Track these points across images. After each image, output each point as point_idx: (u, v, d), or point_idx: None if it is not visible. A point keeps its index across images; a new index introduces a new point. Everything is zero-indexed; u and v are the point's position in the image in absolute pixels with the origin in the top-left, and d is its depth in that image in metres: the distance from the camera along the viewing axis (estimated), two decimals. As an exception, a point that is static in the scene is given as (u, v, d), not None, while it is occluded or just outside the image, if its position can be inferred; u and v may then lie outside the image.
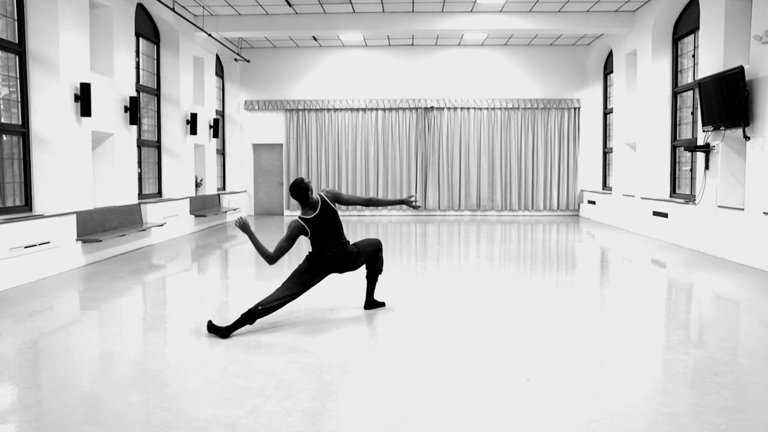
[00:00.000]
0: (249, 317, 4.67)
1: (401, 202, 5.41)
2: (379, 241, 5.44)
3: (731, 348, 4.44)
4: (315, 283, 5.05)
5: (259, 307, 4.71)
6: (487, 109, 15.50)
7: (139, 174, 10.95)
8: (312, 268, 4.97)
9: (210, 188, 13.71)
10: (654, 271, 8.07)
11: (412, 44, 15.30)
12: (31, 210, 7.86)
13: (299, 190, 4.88)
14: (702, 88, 8.86)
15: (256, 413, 3.18)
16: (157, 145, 11.75)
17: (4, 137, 7.59)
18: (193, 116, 12.31)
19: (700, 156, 9.38)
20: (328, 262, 4.99)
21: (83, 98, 8.26)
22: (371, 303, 5.46)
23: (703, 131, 9.20)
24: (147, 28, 11.24)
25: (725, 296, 6.50)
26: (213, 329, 4.67)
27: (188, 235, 11.57)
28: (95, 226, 8.54)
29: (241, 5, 11.76)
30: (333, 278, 7.17)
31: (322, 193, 5.04)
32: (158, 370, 3.89)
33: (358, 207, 15.61)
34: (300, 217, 4.96)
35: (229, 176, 15.81)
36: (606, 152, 14.99)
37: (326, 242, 4.99)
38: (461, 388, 3.59)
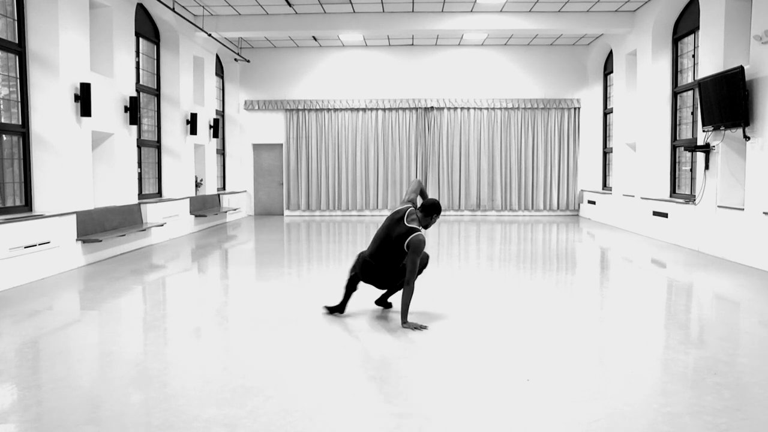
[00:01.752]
0: (353, 282, 5.15)
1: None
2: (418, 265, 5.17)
3: (731, 348, 4.44)
4: (354, 273, 5.19)
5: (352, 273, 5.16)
6: (487, 109, 15.50)
7: (139, 174, 10.95)
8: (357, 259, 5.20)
9: (210, 188, 13.71)
10: (654, 271, 8.07)
11: (412, 44, 15.30)
12: (31, 210, 7.86)
13: (436, 204, 5.08)
14: (702, 88, 8.86)
15: (256, 413, 3.18)
16: (157, 145, 11.75)
17: (4, 137, 7.59)
18: (193, 116, 12.31)
19: (700, 156, 9.38)
20: (358, 260, 5.16)
21: (83, 98, 8.25)
22: (383, 301, 5.45)
23: (703, 131, 9.20)
24: (147, 28, 11.24)
25: (725, 296, 6.50)
26: (331, 309, 5.20)
27: (188, 235, 11.57)
28: (95, 226, 8.54)
29: (241, 5, 11.76)
30: (332, 279, 7.18)
31: (420, 233, 4.82)
32: (158, 370, 3.89)
33: (358, 207, 15.63)
34: (408, 213, 5.03)
35: (229, 176, 15.81)
36: (606, 152, 15.00)
37: (370, 245, 5.14)
38: (461, 387, 3.58)
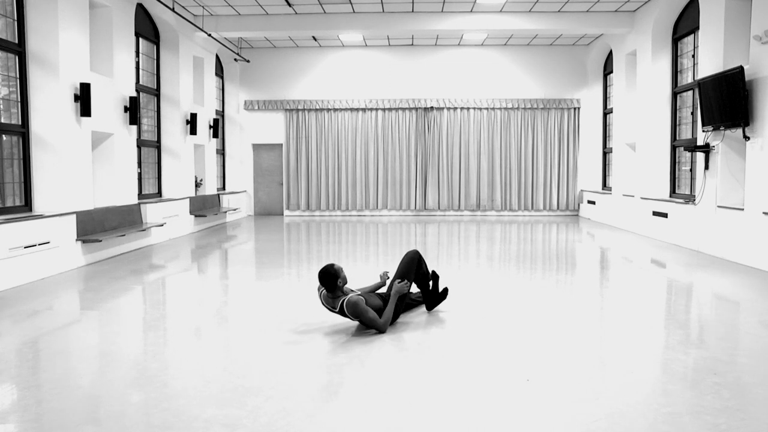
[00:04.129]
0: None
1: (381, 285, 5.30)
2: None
3: (731, 348, 4.44)
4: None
5: None
6: (487, 109, 15.50)
7: (139, 174, 10.95)
8: None
9: (210, 188, 13.71)
10: (654, 271, 8.07)
11: (412, 44, 15.30)
12: (31, 210, 7.86)
13: (327, 277, 4.63)
14: (702, 88, 8.86)
15: (256, 413, 3.18)
16: (157, 145, 11.75)
17: (4, 137, 7.59)
18: (193, 116, 12.31)
19: (700, 156, 9.38)
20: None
21: (83, 98, 8.26)
22: (433, 298, 5.51)
23: (703, 131, 9.20)
24: (147, 28, 11.24)
25: (725, 296, 6.50)
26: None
27: (188, 235, 11.57)
28: (95, 226, 8.54)
29: (241, 5, 11.76)
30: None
31: (346, 300, 4.62)
32: (158, 370, 3.89)
33: (358, 207, 15.64)
34: (324, 298, 4.79)
35: (229, 176, 15.81)
36: (606, 152, 15.00)
37: None
38: (461, 387, 3.59)
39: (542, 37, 14.40)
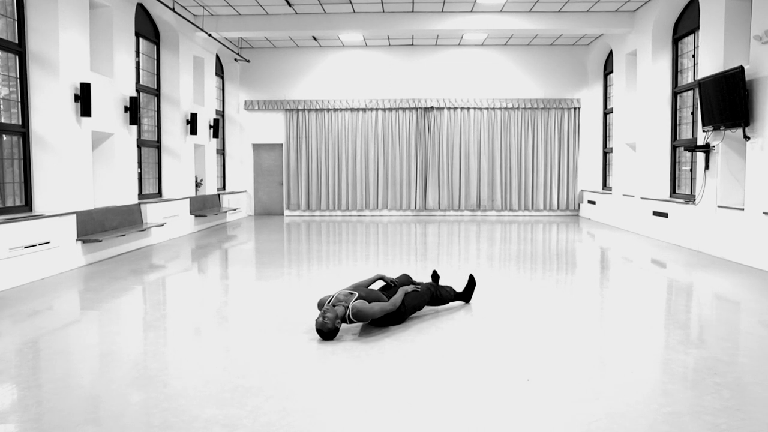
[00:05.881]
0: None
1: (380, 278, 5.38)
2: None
3: (731, 348, 4.44)
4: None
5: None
6: (487, 109, 15.50)
7: (139, 174, 10.95)
8: None
9: (210, 188, 13.71)
10: (654, 271, 8.07)
11: (412, 44, 15.30)
12: (31, 210, 7.86)
13: (329, 336, 4.52)
14: (702, 88, 8.86)
15: (256, 413, 3.18)
16: (157, 145, 11.75)
17: (4, 137, 7.59)
18: (193, 116, 12.31)
19: (700, 156, 9.38)
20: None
21: (83, 98, 8.26)
22: (464, 295, 5.80)
23: (703, 131, 9.20)
24: (147, 28, 11.24)
25: (725, 296, 6.50)
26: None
27: (188, 235, 11.57)
28: (95, 226, 8.54)
29: (241, 5, 11.76)
30: (333, 279, 7.19)
31: (351, 313, 4.60)
32: (158, 370, 3.89)
33: (358, 207, 15.65)
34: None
35: (229, 176, 15.81)
36: (606, 152, 15.00)
37: None
38: (462, 387, 3.58)
39: (542, 37, 14.40)
